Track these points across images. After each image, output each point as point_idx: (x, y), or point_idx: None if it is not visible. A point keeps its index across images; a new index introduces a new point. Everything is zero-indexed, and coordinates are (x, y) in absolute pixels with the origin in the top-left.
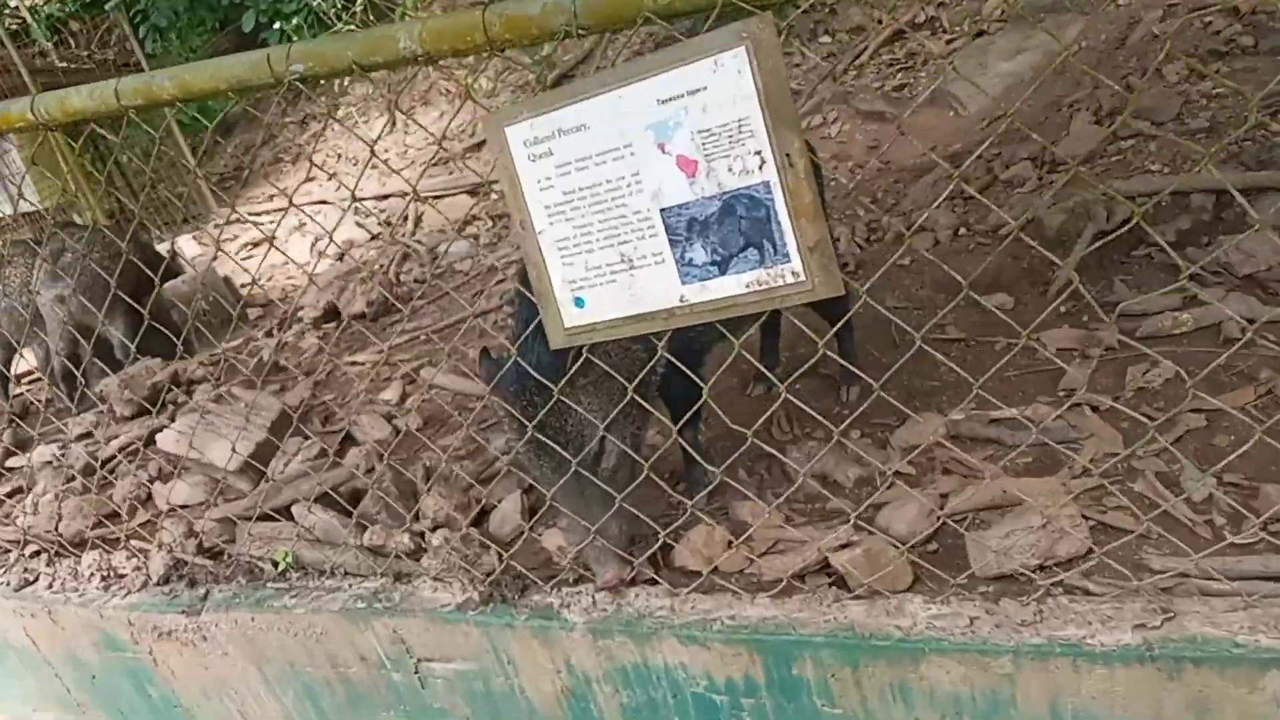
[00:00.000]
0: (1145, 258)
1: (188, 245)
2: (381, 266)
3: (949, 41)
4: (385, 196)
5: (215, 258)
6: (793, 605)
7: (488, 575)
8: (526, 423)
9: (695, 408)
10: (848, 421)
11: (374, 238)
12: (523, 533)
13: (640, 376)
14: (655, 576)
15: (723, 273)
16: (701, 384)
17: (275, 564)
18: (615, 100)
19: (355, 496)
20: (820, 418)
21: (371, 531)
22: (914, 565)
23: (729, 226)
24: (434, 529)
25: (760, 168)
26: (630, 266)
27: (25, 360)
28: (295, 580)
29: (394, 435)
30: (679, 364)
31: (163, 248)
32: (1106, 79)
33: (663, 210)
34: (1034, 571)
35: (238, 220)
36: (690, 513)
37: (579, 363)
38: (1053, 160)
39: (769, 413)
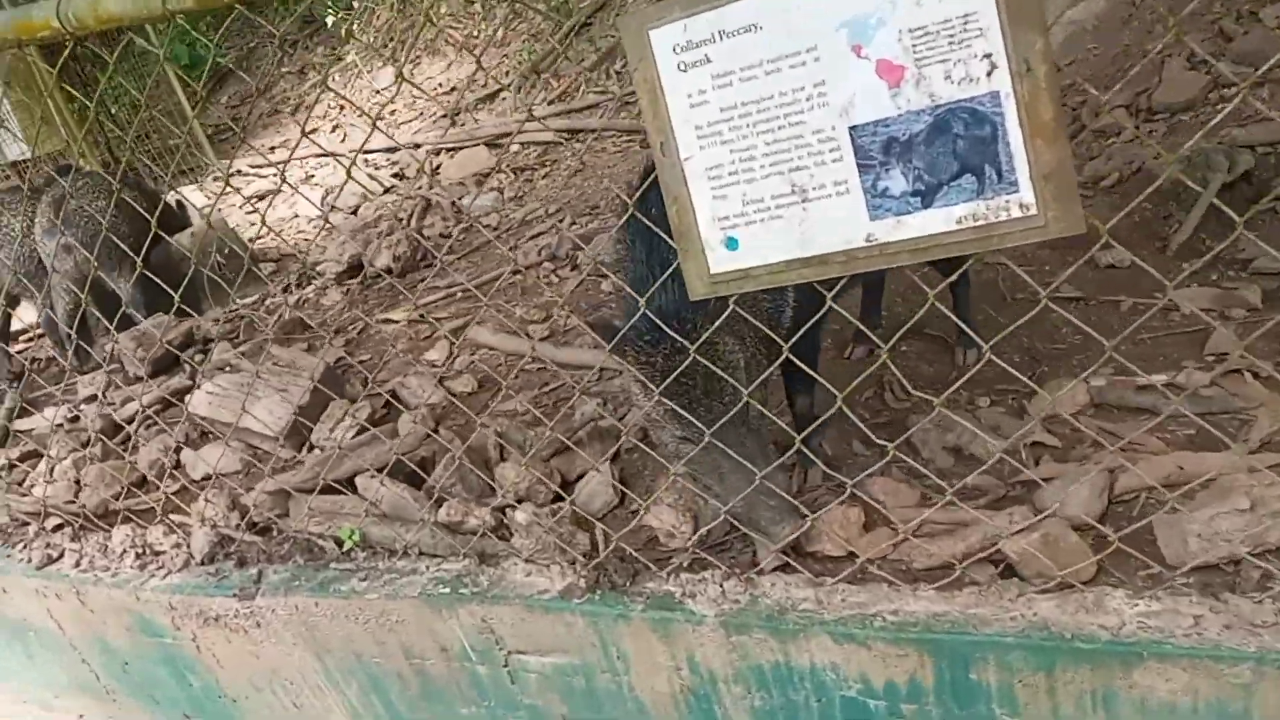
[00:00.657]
0: (1269, 212)
1: (193, 196)
2: (401, 220)
3: None
4: (394, 149)
5: (215, 208)
6: (966, 599)
7: (588, 558)
8: (655, 378)
9: (811, 370)
10: (953, 387)
11: (387, 190)
12: (614, 508)
13: (788, 328)
14: (791, 563)
15: (926, 205)
16: (816, 344)
17: (339, 542)
18: None
19: (422, 467)
20: (949, 386)
21: (448, 506)
22: (1097, 553)
23: (940, 148)
24: (516, 504)
25: (989, 75)
26: (803, 199)
27: (19, 318)
28: (363, 561)
29: (447, 400)
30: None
31: (169, 198)
32: (1191, 26)
33: (853, 129)
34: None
35: (239, 173)
36: (813, 491)
37: (724, 310)
38: (1149, 108)
39: (864, 374)
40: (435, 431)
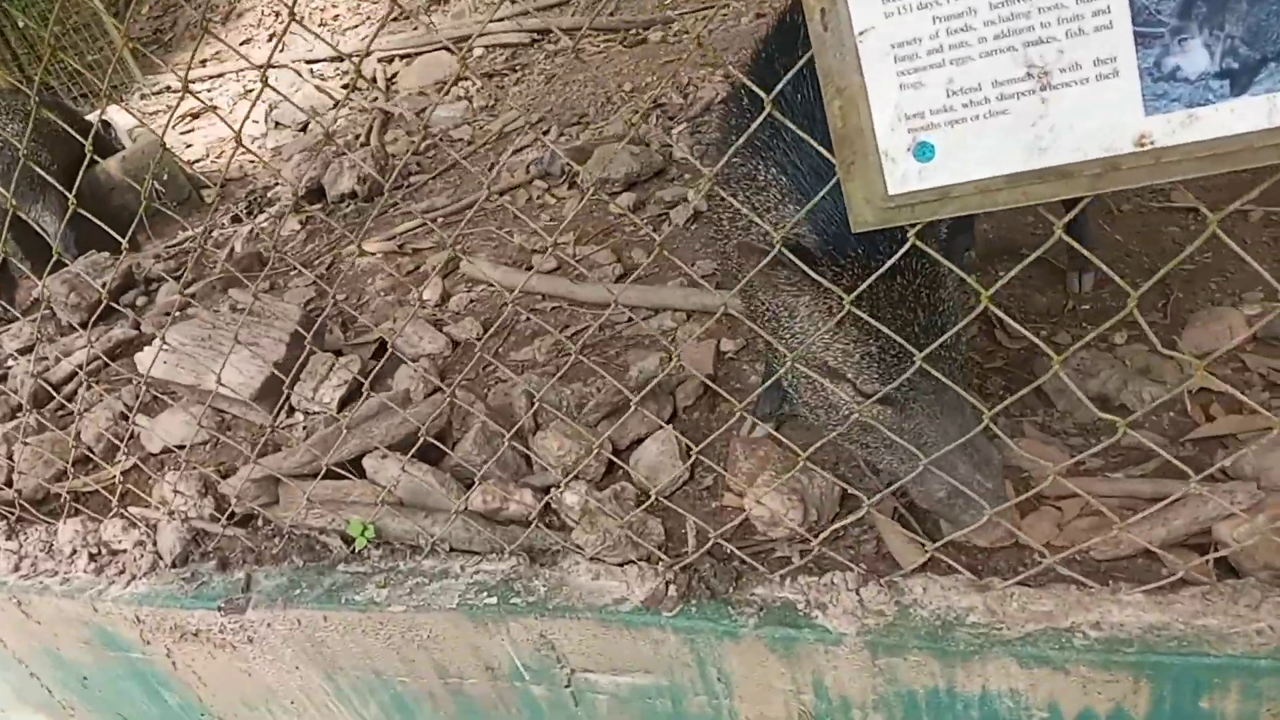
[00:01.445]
0: None
1: (118, 116)
2: (358, 136)
3: None
4: (341, 57)
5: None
6: (1189, 607)
7: (671, 555)
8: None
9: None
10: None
11: (337, 104)
12: (683, 484)
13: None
14: (951, 563)
15: (1238, 91)
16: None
17: (347, 539)
18: None
19: (438, 439)
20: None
21: (483, 490)
22: None
23: (1267, 8)
24: (562, 483)
25: None
26: (1043, 85)
27: None
28: (379, 561)
29: (450, 348)
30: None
31: (93, 119)
32: None
33: None
34: None
35: (168, 89)
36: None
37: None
38: None
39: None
40: (441, 389)
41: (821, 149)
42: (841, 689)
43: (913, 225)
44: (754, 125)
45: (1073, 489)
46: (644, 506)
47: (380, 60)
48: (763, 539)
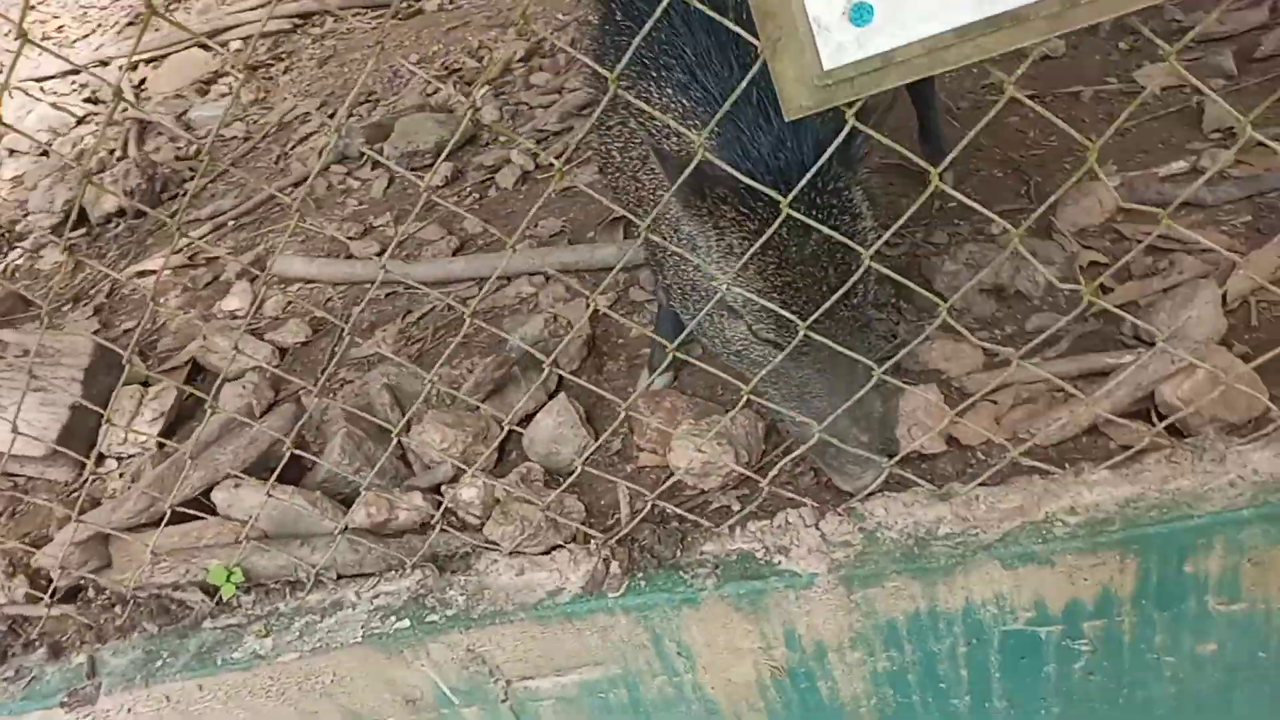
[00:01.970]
0: None
1: None
2: (113, 151)
3: None
4: (75, 70)
5: None
6: (1157, 474)
7: (604, 530)
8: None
9: None
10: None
11: (81, 120)
12: (591, 453)
13: None
14: (909, 476)
15: None
16: None
17: (209, 590)
18: None
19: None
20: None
21: (365, 502)
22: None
23: None
24: (453, 478)
25: None
26: None
27: None
28: (253, 607)
29: (278, 355)
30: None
31: None
32: None
33: None
34: None
35: None
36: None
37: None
38: None
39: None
40: (274, 404)
41: (740, 30)
42: (816, 634)
43: (850, 106)
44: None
45: (1000, 382)
46: (569, 481)
47: (123, 67)
48: (694, 493)
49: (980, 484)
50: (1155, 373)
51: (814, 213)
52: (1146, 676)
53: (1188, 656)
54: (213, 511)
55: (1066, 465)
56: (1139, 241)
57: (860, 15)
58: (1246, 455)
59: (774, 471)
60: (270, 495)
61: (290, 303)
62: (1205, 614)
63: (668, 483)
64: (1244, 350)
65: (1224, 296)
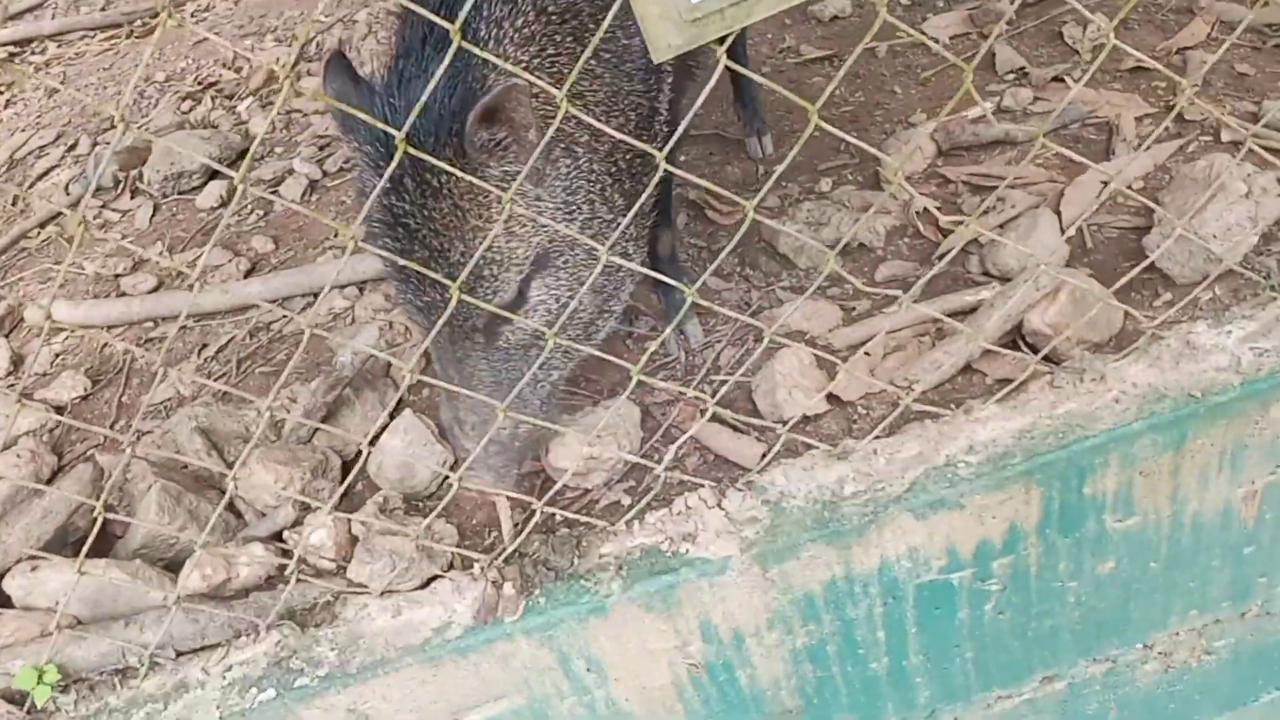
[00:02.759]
0: None
1: None
2: None
3: None
4: None
5: None
6: (1044, 401)
7: (488, 553)
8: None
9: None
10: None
11: None
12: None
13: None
14: (804, 439)
15: None
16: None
17: (16, 700)
18: None
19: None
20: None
21: (197, 564)
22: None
23: None
24: (295, 522)
25: None
26: None
27: None
28: (78, 708)
29: (54, 414)
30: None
31: None
32: None
33: None
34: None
35: None
36: (706, 349)
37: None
38: None
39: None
40: (60, 470)
41: None
42: (732, 622)
43: (721, 41)
44: None
45: (862, 335)
46: (449, 498)
47: None
48: (577, 494)
49: (876, 437)
50: (1022, 301)
51: (418, 178)
52: (1052, 605)
53: (1089, 579)
54: (7, 603)
55: (952, 406)
56: (964, 183)
57: None
58: (1123, 370)
59: (668, 458)
60: (82, 573)
61: (59, 355)
62: (1104, 533)
63: (553, 488)
64: (1088, 273)
65: (1064, 225)
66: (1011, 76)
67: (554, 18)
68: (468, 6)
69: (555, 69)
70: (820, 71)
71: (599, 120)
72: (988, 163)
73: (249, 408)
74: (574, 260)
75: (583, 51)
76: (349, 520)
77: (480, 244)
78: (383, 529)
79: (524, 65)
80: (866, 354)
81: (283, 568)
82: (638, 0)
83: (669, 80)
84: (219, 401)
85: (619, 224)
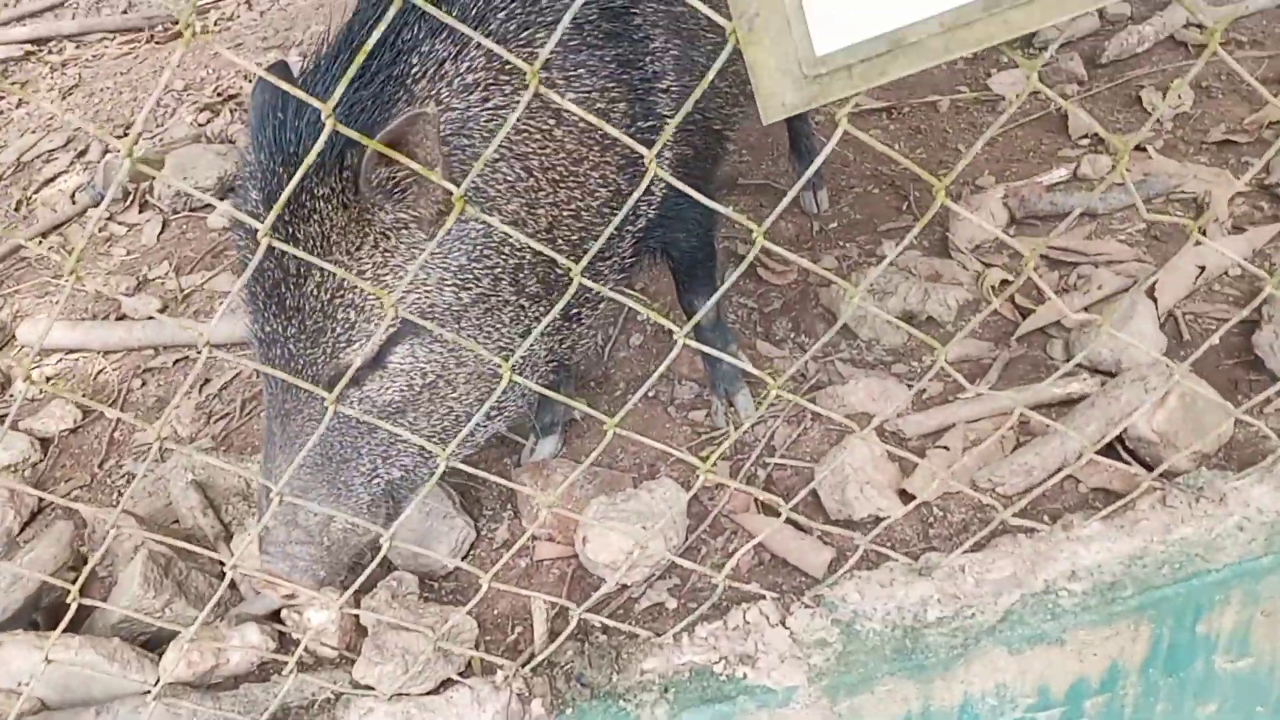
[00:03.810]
0: None
1: None
2: None
3: None
4: None
5: None
6: (1156, 522)
7: (508, 654)
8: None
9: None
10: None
11: None
12: (470, 547)
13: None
14: (877, 549)
15: None
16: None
17: None
18: None
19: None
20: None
21: (179, 646)
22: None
23: None
24: (288, 594)
25: None
26: None
27: None
28: None
29: (39, 449)
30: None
31: None
32: None
33: None
34: None
35: None
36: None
37: None
38: None
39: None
40: (39, 513)
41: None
42: None
43: (842, 103)
44: None
45: (937, 423)
46: (478, 597)
47: None
48: (612, 590)
49: (966, 551)
50: (1128, 403)
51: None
52: None
53: None
54: None
55: (1045, 518)
56: (1042, 256)
57: None
58: (1246, 492)
59: (728, 566)
60: (49, 660)
61: (51, 379)
62: (1211, 674)
63: (596, 592)
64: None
65: (1162, 318)
66: (1086, 141)
67: (505, 68)
68: (378, 32)
69: (496, 123)
70: (878, 123)
71: (544, 190)
72: (1067, 235)
73: (252, 459)
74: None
75: (537, 104)
76: (357, 606)
77: (340, 280)
78: (395, 622)
79: (457, 113)
80: (945, 448)
81: (279, 654)
82: (751, 47)
83: (668, 155)
84: (218, 449)
85: (525, 312)
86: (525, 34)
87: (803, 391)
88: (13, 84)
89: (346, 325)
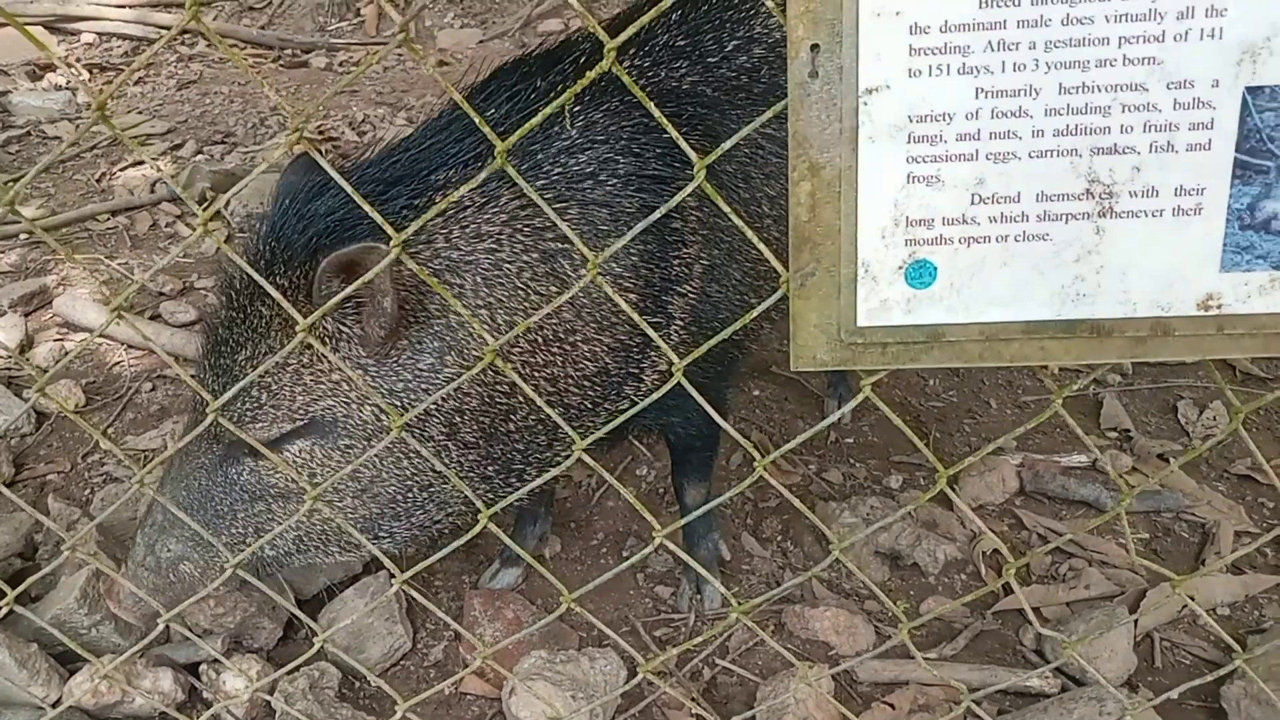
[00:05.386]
0: None
1: None
2: None
3: None
4: None
5: None
6: None
7: None
8: None
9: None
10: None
11: None
12: (403, 656)
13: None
14: None
15: None
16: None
17: None
18: None
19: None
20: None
21: (93, 673)
22: None
23: None
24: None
25: None
26: (1103, 208)
27: None
28: None
29: (34, 422)
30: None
31: None
32: None
33: (1253, 91)
34: None
35: None
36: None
37: None
38: None
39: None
40: (13, 484)
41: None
42: None
43: (871, 373)
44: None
45: (891, 676)
46: (320, 684)
47: None
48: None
49: None
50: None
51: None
52: None
53: None
54: None
55: None
56: (1040, 536)
57: (920, 275)
58: None
59: None
60: None
61: (68, 354)
62: None
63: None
64: (1147, 694)
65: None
66: (1114, 435)
67: (524, 228)
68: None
69: (497, 274)
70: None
71: (524, 348)
72: (1070, 522)
73: None
74: (359, 451)
75: (544, 270)
76: (271, 677)
77: (264, 360)
78: (301, 710)
79: (459, 254)
80: (890, 706)
81: (182, 707)
82: (799, 301)
83: (674, 332)
84: None
85: (450, 455)
86: (558, 205)
87: (772, 601)
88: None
89: (254, 402)
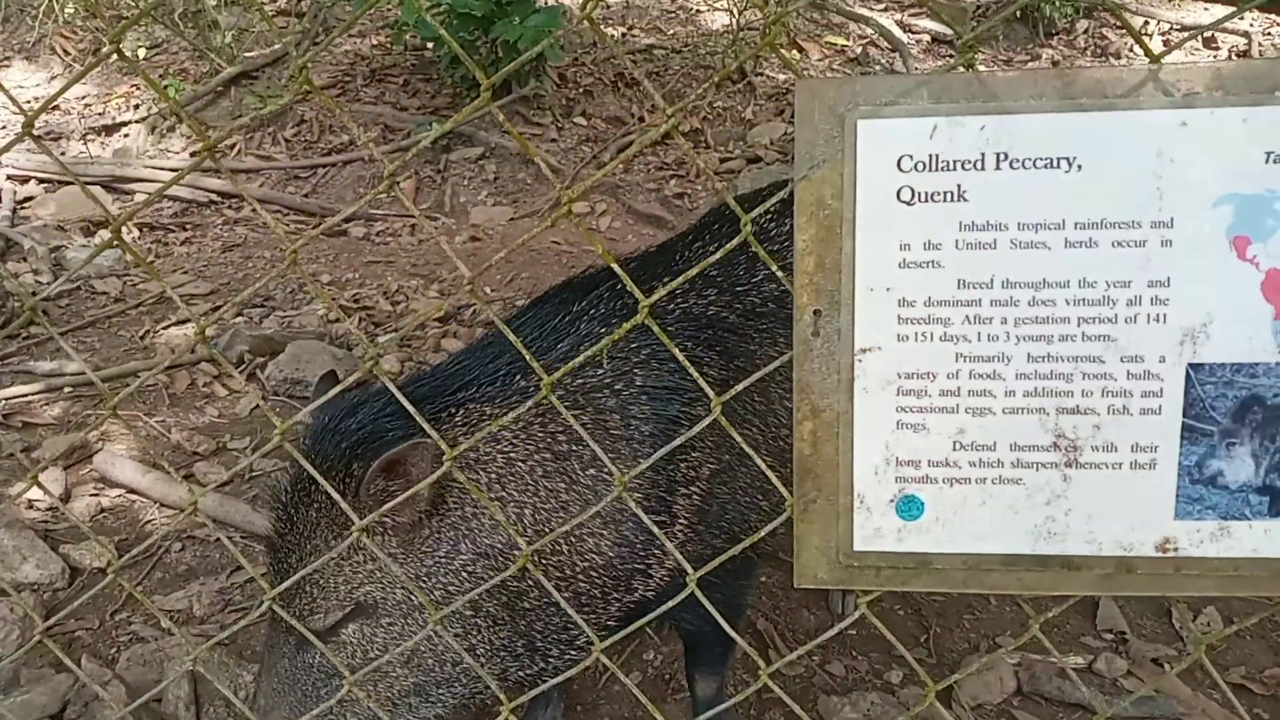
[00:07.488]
0: None
1: None
2: None
3: (722, 161)
4: None
5: None
6: None
7: None
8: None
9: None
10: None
11: None
12: None
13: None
14: None
15: (1279, 511)
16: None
17: None
18: (1149, 126)
19: None
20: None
21: None
22: None
23: None
24: None
25: None
26: (1069, 459)
27: None
28: None
29: (67, 578)
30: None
31: None
32: None
33: (1195, 368)
34: None
35: None
36: None
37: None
38: None
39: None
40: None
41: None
42: None
43: (865, 593)
44: None
45: None
46: None
47: (11, 178)
48: None
49: None
50: None
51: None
52: None
53: None
54: None
55: None
56: None
57: (909, 509)
58: None
59: None
60: None
61: (104, 511)
62: None
63: None
64: None
65: None
66: (1110, 637)
67: (538, 432)
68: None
69: (509, 470)
70: None
71: (531, 538)
72: None
73: (248, 667)
74: (399, 628)
75: (555, 468)
76: None
77: (316, 560)
78: None
79: (476, 454)
80: None
81: None
82: (802, 524)
83: (678, 530)
84: (223, 642)
85: (478, 629)
86: (575, 412)
87: None
88: (185, 223)
89: (309, 598)
